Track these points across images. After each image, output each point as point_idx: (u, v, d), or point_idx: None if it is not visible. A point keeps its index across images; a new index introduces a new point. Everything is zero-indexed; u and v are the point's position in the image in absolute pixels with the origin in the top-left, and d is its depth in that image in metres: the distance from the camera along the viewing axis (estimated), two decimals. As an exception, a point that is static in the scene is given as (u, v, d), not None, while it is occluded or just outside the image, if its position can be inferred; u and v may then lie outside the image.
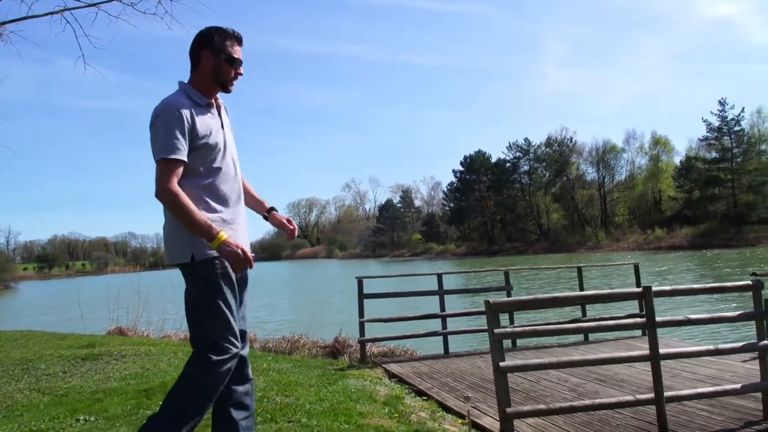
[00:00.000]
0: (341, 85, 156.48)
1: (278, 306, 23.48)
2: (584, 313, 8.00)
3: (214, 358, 2.40)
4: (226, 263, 2.45)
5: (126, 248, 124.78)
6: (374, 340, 7.49)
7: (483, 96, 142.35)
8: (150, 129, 2.47)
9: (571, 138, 74.16)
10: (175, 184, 2.38)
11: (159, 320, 12.39)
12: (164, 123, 2.41)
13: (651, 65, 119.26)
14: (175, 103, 2.45)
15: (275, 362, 6.61)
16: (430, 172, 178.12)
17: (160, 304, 13.79)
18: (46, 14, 9.19)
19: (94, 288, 23.86)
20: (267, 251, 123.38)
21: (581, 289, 8.26)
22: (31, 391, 5.23)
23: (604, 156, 71.29)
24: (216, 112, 2.64)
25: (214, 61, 2.56)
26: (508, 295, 7.81)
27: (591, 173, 73.76)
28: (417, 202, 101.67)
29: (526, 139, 76.52)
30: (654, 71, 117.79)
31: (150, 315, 12.58)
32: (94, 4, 14.27)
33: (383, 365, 6.71)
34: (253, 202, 2.95)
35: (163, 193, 2.37)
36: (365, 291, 7.20)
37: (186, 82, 2.61)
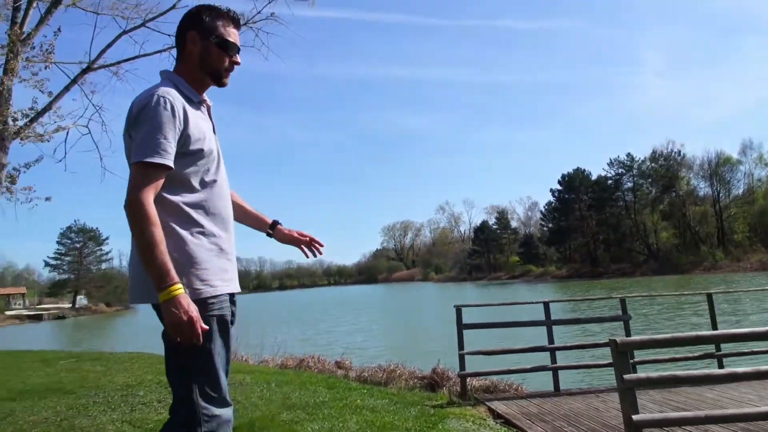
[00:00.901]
0: (432, 108, 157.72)
1: (374, 331, 23.23)
2: (718, 347, 6.97)
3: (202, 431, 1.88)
4: (225, 303, 1.97)
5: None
6: (476, 375, 6.89)
7: (577, 112, 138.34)
8: (129, 127, 1.93)
9: (679, 151, 69.74)
10: (150, 200, 1.81)
11: (257, 344, 12.43)
12: (150, 118, 1.86)
13: (759, 71, 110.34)
14: (165, 94, 1.90)
15: (370, 396, 6.18)
16: (525, 192, 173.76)
17: (259, 326, 13.92)
18: (155, 53, 9.64)
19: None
20: (363, 274, 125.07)
21: (713, 319, 7.22)
22: (122, 423, 5.11)
23: (718, 169, 66.17)
24: (206, 113, 2.11)
25: (201, 45, 2.05)
26: (626, 325, 6.96)
27: (703, 188, 68.88)
28: (513, 223, 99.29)
29: (628, 155, 72.80)
30: (763, 77, 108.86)
31: (249, 338, 12.67)
32: (197, 41, 15.05)
33: (487, 403, 6.10)
34: (249, 219, 2.43)
35: (133, 204, 1.80)
36: (464, 320, 6.65)
37: (172, 72, 2.09)
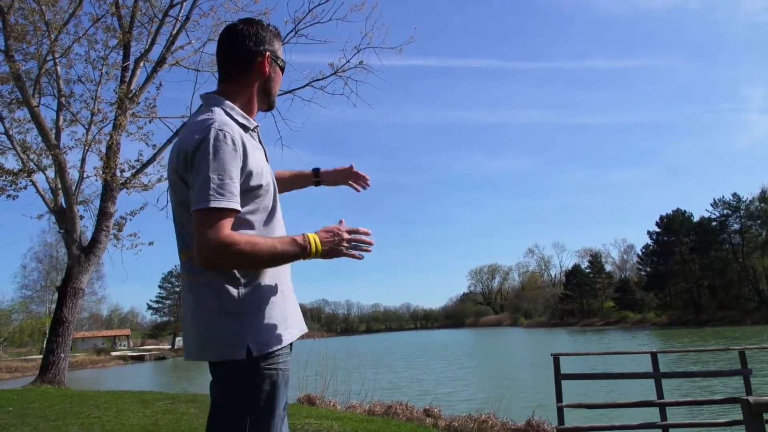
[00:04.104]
0: (517, 151, 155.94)
1: (465, 379, 22.57)
2: None
3: None
4: (288, 356, 1.74)
5: (320, 314, 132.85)
6: (576, 430, 6.42)
7: (674, 151, 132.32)
8: (184, 167, 1.66)
9: (793, 190, 64.26)
10: (228, 232, 1.59)
11: (345, 389, 12.35)
12: (212, 155, 1.60)
13: None
14: (223, 127, 1.65)
15: (461, 450, 5.90)
16: (619, 235, 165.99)
17: (346, 371, 13.85)
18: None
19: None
20: (450, 318, 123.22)
21: None
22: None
23: (840, 208, 60.44)
24: (258, 139, 1.86)
25: (270, 69, 1.82)
26: (746, 381, 6.30)
27: (822, 229, 62.81)
28: (608, 267, 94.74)
29: (734, 195, 68.08)
30: None
31: (336, 383, 12.62)
32: (290, 91, 15.70)
33: (589, 462, 5.65)
34: (294, 184, 2.27)
35: (219, 251, 1.57)
36: (562, 370, 6.26)
37: (217, 95, 1.81)
